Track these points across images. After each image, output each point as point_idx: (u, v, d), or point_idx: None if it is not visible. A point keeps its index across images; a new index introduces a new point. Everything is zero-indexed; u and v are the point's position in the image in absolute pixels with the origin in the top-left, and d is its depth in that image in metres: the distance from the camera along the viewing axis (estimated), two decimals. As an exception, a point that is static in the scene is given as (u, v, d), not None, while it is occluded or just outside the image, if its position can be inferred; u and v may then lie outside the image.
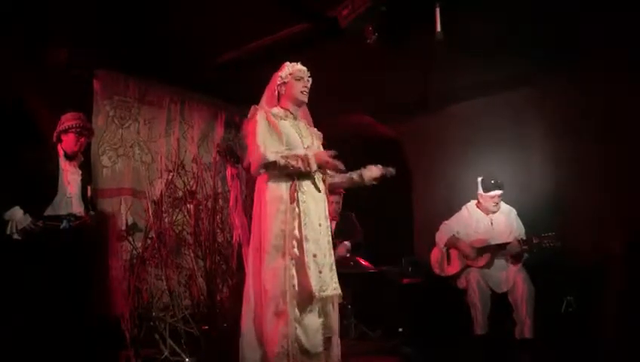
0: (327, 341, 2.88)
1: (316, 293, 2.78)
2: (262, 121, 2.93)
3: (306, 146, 2.98)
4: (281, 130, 2.94)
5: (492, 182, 4.51)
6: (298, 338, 2.76)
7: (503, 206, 4.60)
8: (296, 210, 2.85)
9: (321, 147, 3.14)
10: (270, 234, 2.83)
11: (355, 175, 3.17)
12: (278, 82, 3.07)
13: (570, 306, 4.27)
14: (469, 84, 5.26)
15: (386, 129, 6.43)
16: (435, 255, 4.74)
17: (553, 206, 4.86)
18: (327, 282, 2.86)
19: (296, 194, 2.86)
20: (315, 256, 2.83)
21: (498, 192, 4.50)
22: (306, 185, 2.92)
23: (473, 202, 4.67)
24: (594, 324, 4.16)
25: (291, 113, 3.07)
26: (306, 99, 3.09)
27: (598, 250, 4.51)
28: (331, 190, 3.27)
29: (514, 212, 4.55)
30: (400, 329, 4.74)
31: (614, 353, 3.79)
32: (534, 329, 4.10)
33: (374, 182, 3.16)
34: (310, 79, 3.10)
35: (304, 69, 3.10)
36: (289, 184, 2.88)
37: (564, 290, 4.35)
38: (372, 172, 3.14)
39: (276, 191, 2.88)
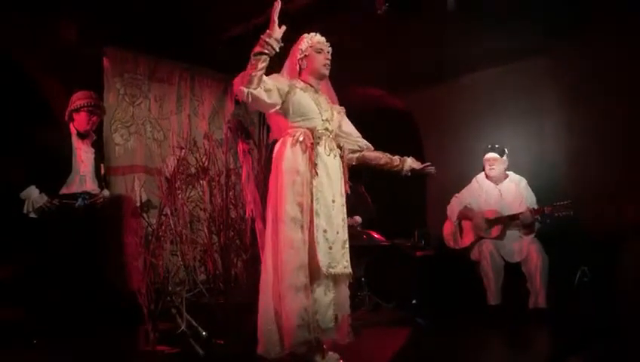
0: (337, 318, 2.87)
1: (324, 269, 2.77)
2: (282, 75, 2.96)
3: (324, 118, 2.95)
4: (299, 99, 2.88)
5: (489, 146, 4.54)
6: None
7: (513, 175, 4.58)
8: (312, 183, 2.81)
9: (343, 121, 3.15)
10: (286, 204, 2.78)
11: (397, 158, 3.22)
12: (299, 56, 2.98)
13: (585, 276, 4.25)
14: (482, 53, 5.17)
15: (398, 100, 6.37)
16: (448, 228, 4.75)
17: (567, 176, 4.82)
18: (337, 259, 2.83)
19: (314, 168, 2.82)
20: (325, 231, 2.81)
21: (492, 155, 4.50)
22: (321, 159, 2.87)
23: (482, 173, 4.66)
24: (608, 294, 4.15)
25: (312, 86, 2.99)
26: (327, 72, 3.00)
27: (612, 219, 4.47)
28: (364, 163, 3.24)
29: (524, 181, 4.53)
30: (413, 301, 4.78)
31: (628, 323, 3.79)
32: (548, 299, 4.11)
33: (409, 173, 3.24)
34: (330, 49, 3.02)
35: (323, 40, 3.01)
36: (306, 156, 2.83)
37: (579, 260, 4.33)
38: (414, 163, 3.23)
39: (293, 162, 2.83)
